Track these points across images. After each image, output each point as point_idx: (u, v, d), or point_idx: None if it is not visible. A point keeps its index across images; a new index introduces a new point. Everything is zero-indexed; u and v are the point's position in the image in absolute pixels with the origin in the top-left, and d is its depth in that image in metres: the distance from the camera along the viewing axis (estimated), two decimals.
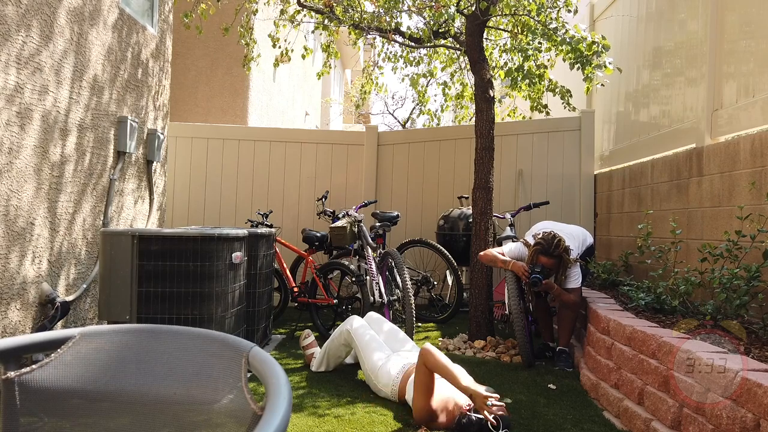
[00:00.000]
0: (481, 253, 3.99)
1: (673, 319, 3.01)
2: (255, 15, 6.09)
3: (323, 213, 5.00)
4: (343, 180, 6.21)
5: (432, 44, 5.20)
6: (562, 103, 5.39)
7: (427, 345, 2.67)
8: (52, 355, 1.09)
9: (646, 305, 3.30)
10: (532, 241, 3.77)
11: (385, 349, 3.19)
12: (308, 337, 3.77)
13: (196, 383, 1.05)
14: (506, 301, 4.19)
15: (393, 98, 15.95)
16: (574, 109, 5.55)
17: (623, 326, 2.85)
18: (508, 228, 4.75)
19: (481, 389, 2.47)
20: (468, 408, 2.48)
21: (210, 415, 1.03)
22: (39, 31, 3.41)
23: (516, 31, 5.07)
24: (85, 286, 4.00)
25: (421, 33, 5.10)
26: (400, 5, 4.94)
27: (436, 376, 2.69)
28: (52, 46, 3.54)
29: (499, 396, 2.47)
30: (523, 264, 3.70)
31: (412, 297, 4.15)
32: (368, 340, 3.21)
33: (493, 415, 2.39)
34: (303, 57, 6.09)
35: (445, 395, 2.63)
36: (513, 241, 4.25)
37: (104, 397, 1.08)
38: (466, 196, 5.72)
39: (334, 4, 4.99)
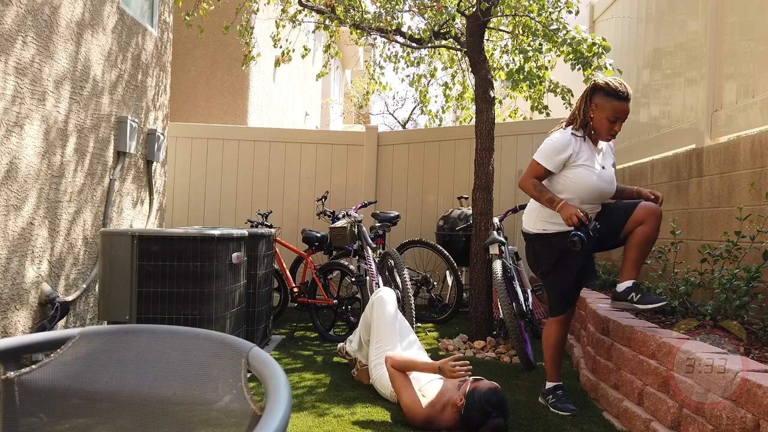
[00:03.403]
0: (523, 182, 2.89)
1: (673, 319, 3.01)
2: (256, 14, 6.10)
3: (323, 213, 5.00)
4: (343, 180, 6.21)
5: (433, 45, 5.20)
6: (564, 103, 5.39)
7: (387, 354, 2.91)
8: (52, 355, 1.09)
9: None
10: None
11: (396, 337, 3.18)
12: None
13: (196, 383, 1.05)
14: (499, 307, 4.10)
15: (393, 98, 15.97)
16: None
17: (623, 327, 2.85)
18: (494, 232, 4.41)
19: (445, 360, 2.63)
20: (461, 403, 2.50)
21: (210, 416, 1.03)
22: (38, 32, 3.41)
23: (517, 32, 5.07)
24: (84, 286, 4.00)
25: (421, 33, 5.10)
26: (401, 5, 4.95)
27: (423, 376, 2.82)
28: (52, 46, 3.54)
29: (461, 356, 2.64)
30: (576, 211, 2.65)
31: (412, 297, 4.15)
32: (392, 312, 3.23)
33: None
34: (303, 56, 6.09)
35: (441, 395, 2.64)
36: (500, 246, 4.05)
37: (104, 397, 1.08)
38: (466, 196, 5.72)
39: (335, 4, 4.99)
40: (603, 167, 2.83)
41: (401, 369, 2.74)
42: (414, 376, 2.80)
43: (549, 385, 2.97)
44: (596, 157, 2.83)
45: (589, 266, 2.88)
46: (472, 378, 2.61)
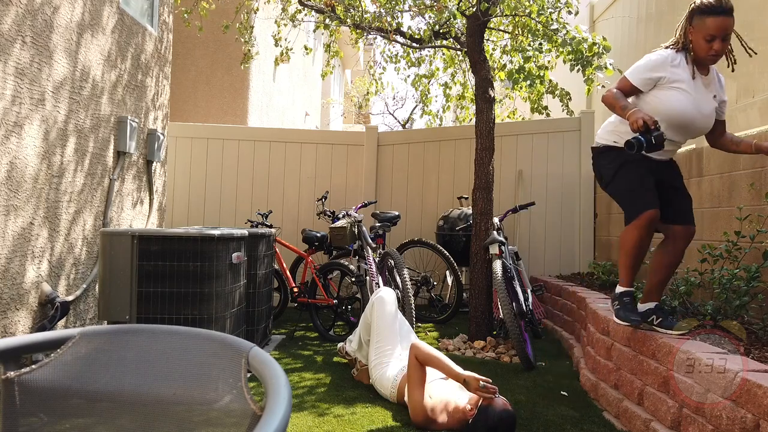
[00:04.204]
0: (605, 94, 2.68)
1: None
2: (255, 13, 6.10)
3: (323, 213, 5.00)
4: (343, 180, 6.21)
5: (433, 45, 5.20)
6: (562, 106, 5.40)
7: (416, 340, 2.76)
8: (52, 355, 1.09)
9: None
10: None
11: (396, 337, 3.16)
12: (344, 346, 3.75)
13: (196, 383, 1.05)
14: (499, 307, 4.10)
15: (393, 98, 15.97)
16: (572, 113, 5.55)
17: (623, 327, 2.85)
18: (494, 232, 4.41)
19: (473, 375, 2.53)
20: (471, 413, 2.48)
21: (210, 415, 1.03)
22: (38, 32, 3.40)
23: (516, 32, 5.07)
24: (84, 286, 4.00)
25: (421, 33, 5.10)
26: (401, 5, 4.95)
27: (429, 374, 2.75)
28: (52, 46, 3.54)
29: (491, 380, 2.52)
30: (645, 115, 2.39)
31: (412, 297, 4.14)
32: (392, 312, 3.21)
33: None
34: (307, 53, 6.10)
35: (444, 396, 2.63)
36: (500, 246, 4.05)
37: (104, 397, 1.08)
38: (466, 196, 5.72)
39: (335, 4, 4.99)
40: (705, 98, 2.57)
41: (424, 361, 2.65)
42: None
43: (619, 289, 2.75)
44: (698, 85, 2.56)
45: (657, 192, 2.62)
46: None
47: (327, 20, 5.18)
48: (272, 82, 8.78)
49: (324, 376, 3.44)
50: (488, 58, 5.02)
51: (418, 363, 2.66)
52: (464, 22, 4.67)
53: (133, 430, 1.07)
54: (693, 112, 2.53)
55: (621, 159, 2.65)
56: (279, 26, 5.88)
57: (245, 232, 3.58)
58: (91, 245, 4.10)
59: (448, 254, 5.02)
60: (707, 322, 2.77)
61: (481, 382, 2.48)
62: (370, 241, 4.54)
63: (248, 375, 1.01)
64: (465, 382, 2.52)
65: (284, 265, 5.01)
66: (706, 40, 2.49)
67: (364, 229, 4.59)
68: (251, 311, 3.86)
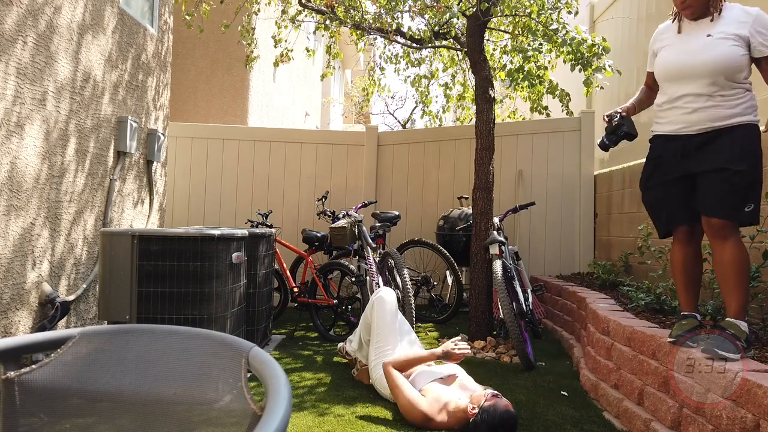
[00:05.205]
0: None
1: (673, 319, 3.01)
2: (257, 15, 6.10)
3: (323, 213, 5.00)
4: (343, 180, 6.21)
5: (433, 45, 5.20)
6: (561, 106, 5.40)
7: (384, 360, 2.91)
8: (52, 355, 1.09)
9: (646, 306, 3.30)
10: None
11: (396, 337, 3.17)
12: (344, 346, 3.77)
13: (196, 383, 1.05)
14: (499, 307, 4.10)
15: (393, 98, 15.96)
16: (571, 113, 5.55)
17: (623, 327, 2.85)
18: (495, 232, 4.38)
19: (445, 345, 2.74)
20: (473, 411, 2.47)
21: (210, 415, 1.03)
22: (39, 33, 3.41)
23: (516, 32, 5.07)
24: (85, 286, 4.00)
25: (422, 34, 5.10)
26: (401, 5, 4.95)
27: (427, 376, 2.80)
28: (53, 47, 3.54)
29: (465, 336, 2.65)
30: (612, 113, 2.71)
31: (412, 297, 4.14)
32: (392, 311, 3.24)
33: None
34: (308, 57, 6.10)
35: (444, 397, 2.63)
36: (500, 246, 4.06)
37: (104, 397, 1.09)
38: (466, 196, 5.72)
39: (336, 5, 4.99)
40: (693, 39, 2.46)
41: (403, 368, 2.70)
42: (413, 378, 2.80)
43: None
44: (686, 34, 2.49)
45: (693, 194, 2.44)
46: (489, 392, 2.55)
47: (327, 21, 5.18)
48: (272, 82, 8.78)
49: (324, 376, 3.44)
50: (488, 58, 5.03)
51: (396, 372, 2.77)
52: (464, 22, 4.67)
53: (133, 430, 1.07)
54: (676, 57, 2.48)
55: (648, 169, 2.61)
56: (279, 28, 5.88)
57: (245, 232, 3.58)
58: (91, 245, 4.11)
59: (448, 254, 5.02)
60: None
61: (451, 344, 2.67)
62: (370, 241, 4.54)
63: (248, 375, 1.01)
64: (445, 356, 2.65)
65: (284, 265, 5.02)
66: None
67: (364, 229, 4.59)
68: (251, 311, 3.86)
